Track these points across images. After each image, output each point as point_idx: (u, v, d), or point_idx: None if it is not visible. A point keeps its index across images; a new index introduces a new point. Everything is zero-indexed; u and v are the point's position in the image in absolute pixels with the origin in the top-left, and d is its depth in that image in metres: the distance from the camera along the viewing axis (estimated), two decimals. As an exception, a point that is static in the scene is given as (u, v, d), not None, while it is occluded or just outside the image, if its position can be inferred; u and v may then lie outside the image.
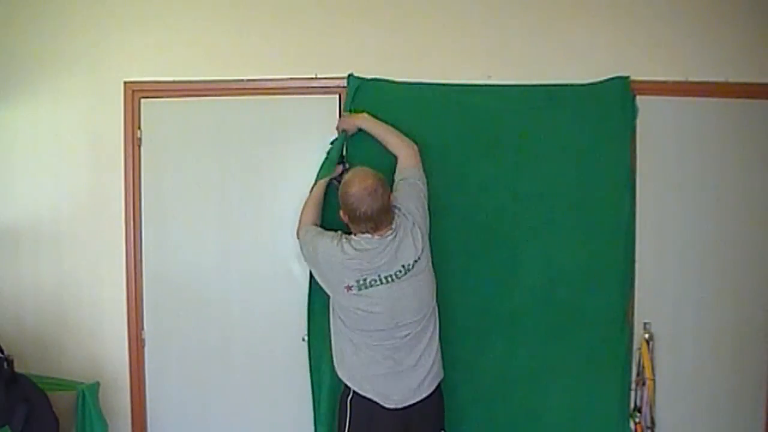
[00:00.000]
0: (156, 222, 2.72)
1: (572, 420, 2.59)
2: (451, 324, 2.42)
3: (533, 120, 2.57)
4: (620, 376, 2.59)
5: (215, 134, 2.70)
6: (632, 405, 2.62)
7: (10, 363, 2.31)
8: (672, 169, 2.64)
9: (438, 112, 2.58)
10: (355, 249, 2.14)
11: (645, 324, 2.63)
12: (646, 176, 2.61)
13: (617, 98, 2.57)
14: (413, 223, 2.19)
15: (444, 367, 2.32)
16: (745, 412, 2.69)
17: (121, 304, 2.72)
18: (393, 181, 2.31)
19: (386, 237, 2.14)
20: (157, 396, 2.76)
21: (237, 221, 2.71)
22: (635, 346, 2.62)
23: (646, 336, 2.62)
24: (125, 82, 2.69)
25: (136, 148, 2.70)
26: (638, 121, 2.59)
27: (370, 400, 2.21)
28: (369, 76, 2.57)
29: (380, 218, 2.12)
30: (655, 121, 2.61)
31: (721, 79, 2.62)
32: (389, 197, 2.16)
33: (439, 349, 2.28)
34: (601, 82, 2.58)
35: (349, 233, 2.21)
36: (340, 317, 2.23)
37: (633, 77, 2.58)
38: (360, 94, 2.55)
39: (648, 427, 2.60)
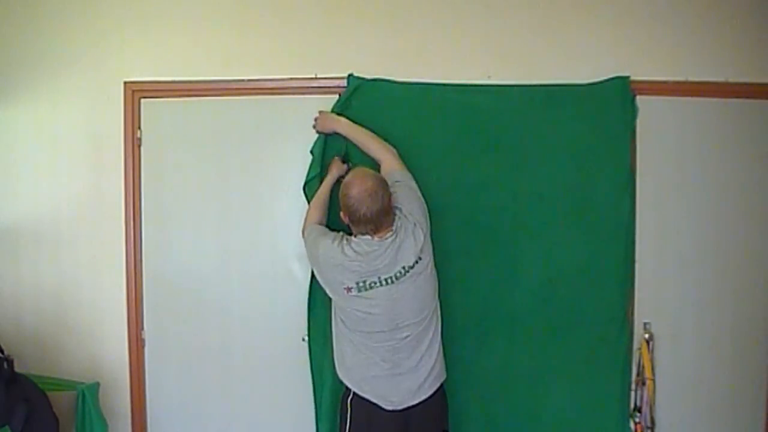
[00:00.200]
0: (156, 222, 2.72)
1: (572, 420, 2.59)
2: (451, 324, 2.40)
3: (533, 120, 2.57)
4: (620, 376, 2.59)
5: (215, 134, 2.70)
6: (632, 405, 2.62)
7: (10, 363, 2.31)
8: (672, 169, 2.64)
9: (438, 112, 2.57)
10: (355, 251, 2.13)
11: (645, 324, 2.63)
12: (646, 176, 2.61)
13: (617, 98, 2.57)
14: (415, 224, 2.17)
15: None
16: (745, 412, 2.69)
17: (121, 304, 2.72)
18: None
19: (386, 239, 2.13)
20: (157, 396, 2.76)
21: (237, 221, 2.71)
22: (635, 346, 2.62)
23: (646, 336, 2.62)
24: (125, 82, 2.69)
25: (136, 148, 2.70)
26: (638, 121, 2.59)
27: (369, 401, 2.20)
28: (369, 76, 2.57)
29: (380, 220, 2.11)
30: (655, 121, 2.61)
31: (721, 79, 2.62)
32: (390, 199, 2.15)
33: (441, 350, 2.27)
34: (601, 82, 2.58)
35: (351, 234, 2.20)
36: (341, 318, 2.23)
37: (633, 77, 2.58)
38: (360, 94, 2.54)
39: (648, 427, 2.60)
